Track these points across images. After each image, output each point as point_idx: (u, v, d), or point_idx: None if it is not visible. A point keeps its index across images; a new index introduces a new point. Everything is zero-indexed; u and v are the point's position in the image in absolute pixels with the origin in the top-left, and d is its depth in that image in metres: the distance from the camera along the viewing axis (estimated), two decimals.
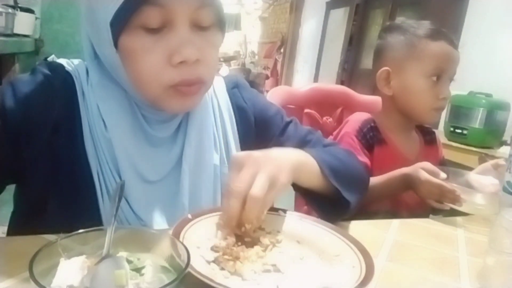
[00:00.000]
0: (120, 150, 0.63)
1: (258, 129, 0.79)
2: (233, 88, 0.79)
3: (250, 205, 0.53)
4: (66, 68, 0.66)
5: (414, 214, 0.94)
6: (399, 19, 1.12)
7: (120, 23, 0.56)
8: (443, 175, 0.85)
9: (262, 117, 0.80)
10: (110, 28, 0.57)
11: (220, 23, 0.63)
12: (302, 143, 0.79)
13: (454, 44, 1.02)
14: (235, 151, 0.74)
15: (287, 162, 0.60)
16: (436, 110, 1.04)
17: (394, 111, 1.09)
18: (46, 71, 0.64)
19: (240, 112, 0.78)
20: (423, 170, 0.87)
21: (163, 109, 0.65)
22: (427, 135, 1.17)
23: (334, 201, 0.67)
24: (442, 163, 1.18)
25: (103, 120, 0.63)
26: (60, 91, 0.63)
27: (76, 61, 0.68)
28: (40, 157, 0.61)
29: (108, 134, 0.63)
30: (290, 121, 0.83)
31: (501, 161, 0.89)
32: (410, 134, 1.12)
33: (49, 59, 0.72)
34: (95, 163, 0.62)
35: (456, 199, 0.82)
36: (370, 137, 1.04)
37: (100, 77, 0.64)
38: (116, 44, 0.58)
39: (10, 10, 2.42)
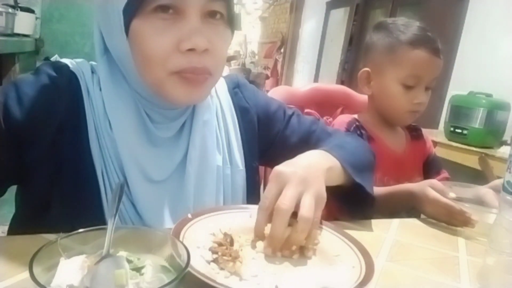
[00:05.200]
0: (124, 150, 0.63)
1: (261, 127, 0.80)
2: (234, 88, 0.80)
3: (302, 226, 0.53)
4: (70, 68, 0.66)
5: (411, 213, 0.95)
6: (395, 19, 1.13)
7: (133, 9, 0.57)
8: (452, 194, 0.80)
9: (265, 115, 0.81)
10: (123, 15, 0.57)
11: (229, 20, 0.64)
12: (307, 134, 0.82)
13: (436, 52, 1.02)
14: (237, 152, 0.74)
15: (322, 172, 0.61)
16: (409, 113, 1.06)
17: (375, 109, 1.12)
18: (50, 71, 0.64)
19: (242, 112, 0.78)
20: (430, 188, 0.82)
21: (168, 100, 0.63)
22: (413, 131, 1.19)
23: (356, 196, 0.70)
24: (433, 159, 1.20)
25: (109, 120, 0.63)
26: (65, 91, 0.63)
27: (79, 61, 0.68)
28: (44, 157, 0.61)
29: (113, 133, 0.63)
30: (292, 114, 0.84)
31: None
32: (394, 130, 1.15)
33: (52, 59, 0.72)
34: (100, 162, 0.62)
35: (467, 221, 0.75)
36: (359, 135, 1.06)
37: (107, 73, 0.64)
38: (127, 32, 0.58)
39: (10, 10, 2.42)
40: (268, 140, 0.80)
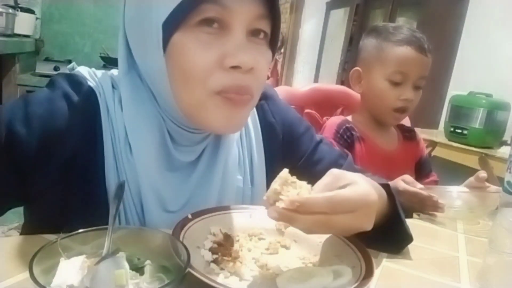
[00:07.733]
0: (143, 177, 0.58)
1: (285, 147, 0.74)
2: (261, 101, 0.72)
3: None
4: (89, 83, 0.60)
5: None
6: (387, 23, 1.18)
7: (175, 22, 0.52)
8: (420, 185, 0.86)
9: (291, 134, 0.75)
10: (162, 29, 0.52)
11: (273, 41, 0.60)
12: (334, 166, 0.69)
13: (422, 50, 1.06)
14: (260, 171, 0.70)
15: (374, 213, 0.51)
16: (396, 111, 1.09)
17: (366, 108, 1.16)
18: (66, 87, 0.58)
19: (267, 127, 0.73)
20: (401, 181, 0.88)
21: (204, 125, 0.58)
22: (406, 132, 1.23)
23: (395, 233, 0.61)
24: (424, 162, 1.22)
25: (129, 143, 0.58)
26: (81, 111, 0.57)
27: (99, 73, 0.63)
28: (53, 185, 0.56)
29: (133, 158, 0.58)
30: (321, 140, 0.79)
31: (482, 173, 0.89)
32: (386, 129, 1.18)
33: (69, 67, 0.66)
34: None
35: (436, 205, 0.82)
36: (348, 137, 1.10)
37: (131, 92, 0.59)
38: (165, 47, 0.53)
39: (10, 10, 2.42)
40: (290, 162, 0.71)
